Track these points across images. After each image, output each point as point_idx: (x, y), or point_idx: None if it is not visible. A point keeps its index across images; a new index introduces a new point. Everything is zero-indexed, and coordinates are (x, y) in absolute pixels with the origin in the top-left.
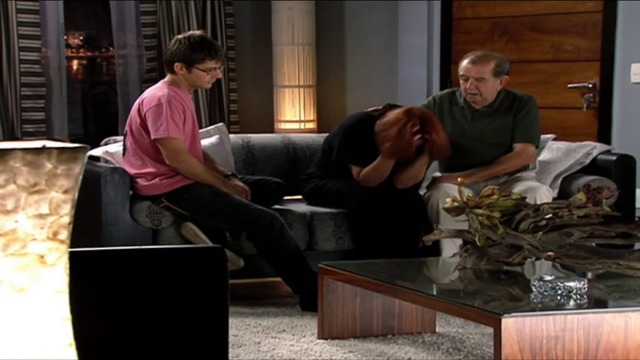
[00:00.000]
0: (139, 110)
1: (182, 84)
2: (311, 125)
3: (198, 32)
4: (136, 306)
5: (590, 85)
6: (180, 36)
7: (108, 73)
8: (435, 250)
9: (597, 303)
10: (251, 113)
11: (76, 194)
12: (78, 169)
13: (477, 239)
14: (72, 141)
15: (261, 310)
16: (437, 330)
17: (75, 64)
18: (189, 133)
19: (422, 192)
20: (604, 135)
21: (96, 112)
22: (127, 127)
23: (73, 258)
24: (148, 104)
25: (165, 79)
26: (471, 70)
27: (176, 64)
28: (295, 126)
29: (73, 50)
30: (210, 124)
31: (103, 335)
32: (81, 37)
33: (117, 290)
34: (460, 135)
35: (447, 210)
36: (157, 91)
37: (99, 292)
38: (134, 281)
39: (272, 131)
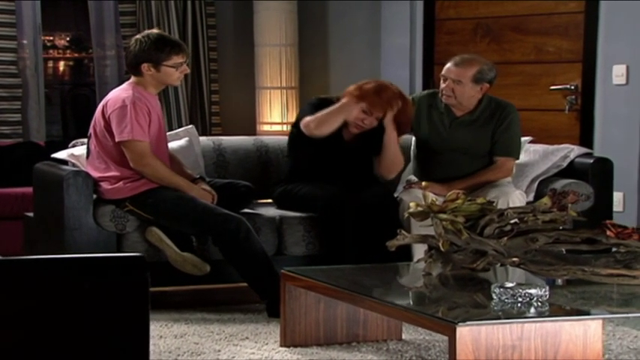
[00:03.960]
0: (102, 112)
1: (149, 85)
2: None
3: (155, 30)
4: (51, 318)
5: (573, 87)
6: (137, 36)
7: (89, 74)
8: (408, 254)
9: (556, 311)
10: (233, 115)
11: None
12: None
13: (440, 245)
14: (48, 143)
15: (227, 317)
16: (403, 337)
17: (54, 64)
18: (154, 136)
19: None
20: (586, 137)
21: (75, 113)
22: (91, 130)
23: None
24: (112, 106)
25: (130, 80)
26: (452, 72)
27: (143, 65)
28: (278, 128)
29: (60, 51)
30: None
31: (13, 350)
32: (67, 38)
33: (29, 302)
34: (437, 141)
35: (412, 215)
36: (121, 92)
37: (10, 304)
38: (48, 292)
39: (254, 133)
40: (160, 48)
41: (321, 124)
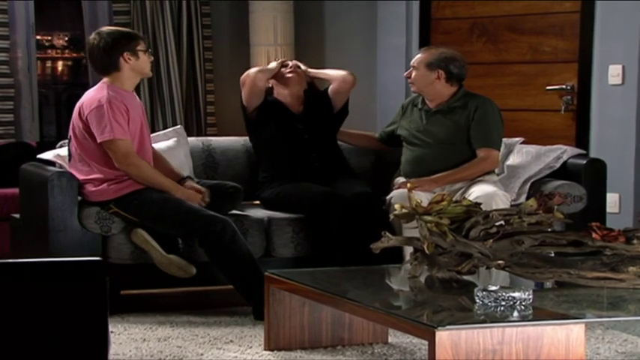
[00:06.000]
0: (79, 114)
1: (126, 81)
2: None
3: (104, 28)
4: (9, 321)
5: (568, 87)
6: (95, 37)
7: (85, 74)
8: (399, 255)
9: (538, 314)
10: (229, 115)
11: None
12: None
13: (425, 247)
14: (39, 143)
15: (213, 320)
16: (389, 340)
17: (51, 64)
18: (136, 134)
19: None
20: (582, 138)
21: (70, 114)
22: (70, 132)
23: None
24: (88, 107)
25: (103, 80)
26: (413, 59)
27: (124, 55)
28: None
29: (57, 51)
30: (187, 127)
31: None
32: (66, 38)
33: None
34: (417, 136)
35: (397, 216)
36: (96, 92)
37: None
38: (6, 295)
39: None
40: (127, 36)
41: (260, 71)
